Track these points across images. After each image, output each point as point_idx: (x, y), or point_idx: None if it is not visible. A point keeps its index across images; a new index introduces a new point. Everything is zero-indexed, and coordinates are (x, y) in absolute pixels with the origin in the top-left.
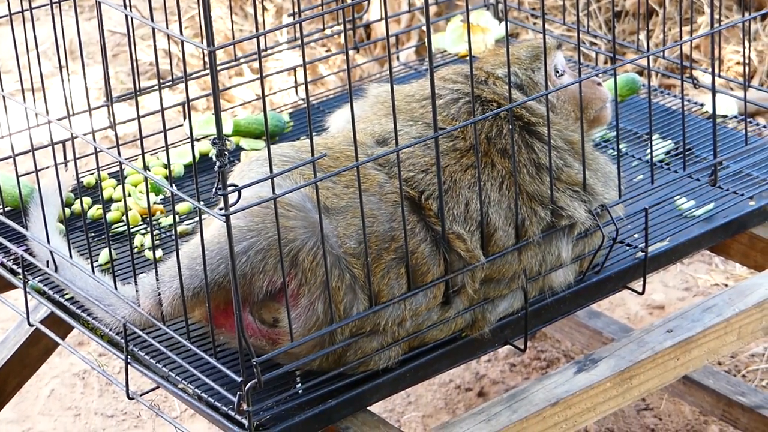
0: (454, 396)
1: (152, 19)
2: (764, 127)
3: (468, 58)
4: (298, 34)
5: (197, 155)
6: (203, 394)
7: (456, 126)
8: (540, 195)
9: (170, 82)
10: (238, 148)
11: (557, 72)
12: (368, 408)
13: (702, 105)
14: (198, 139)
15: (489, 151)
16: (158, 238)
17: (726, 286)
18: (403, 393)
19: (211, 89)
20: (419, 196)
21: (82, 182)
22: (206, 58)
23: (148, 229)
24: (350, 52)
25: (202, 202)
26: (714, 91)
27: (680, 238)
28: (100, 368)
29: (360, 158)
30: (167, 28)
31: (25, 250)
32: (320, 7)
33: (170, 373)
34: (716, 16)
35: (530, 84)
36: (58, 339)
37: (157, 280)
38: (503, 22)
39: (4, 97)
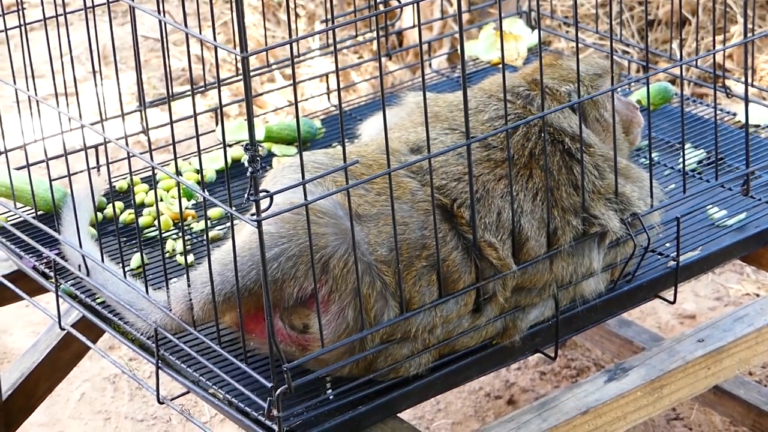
0: (483, 403)
1: (186, 25)
2: None
3: (501, 65)
4: (330, 41)
5: (229, 161)
6: (233, 399)
7: (487, 134)
8: (574, 207)
9: (203, 88)
10: (270, 154)
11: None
12: (398, 415)
13: (734, 114)
14: (230, 145)
15: (529, 164)
16: (190, 243)
17: (757, 295)
18: (432, 400)
19: (243, 95)
20: (451, 204)
21: (114, 187)
22: (239, 64)
23: (180, 234)
24: (383, 59)
25: (233, 208)
26: (747, 101)
27: (712, 248)
28: (131, 372)
29: (393, 166)
30: (200, 33)
31: (57, 254)
32: (353, 14)
33: (201, 377)
34: (749, 26)
35: (590, 104)
36: (89, 343)
37: (189, 285)
38: (536, 30)
39: (37, 101)
